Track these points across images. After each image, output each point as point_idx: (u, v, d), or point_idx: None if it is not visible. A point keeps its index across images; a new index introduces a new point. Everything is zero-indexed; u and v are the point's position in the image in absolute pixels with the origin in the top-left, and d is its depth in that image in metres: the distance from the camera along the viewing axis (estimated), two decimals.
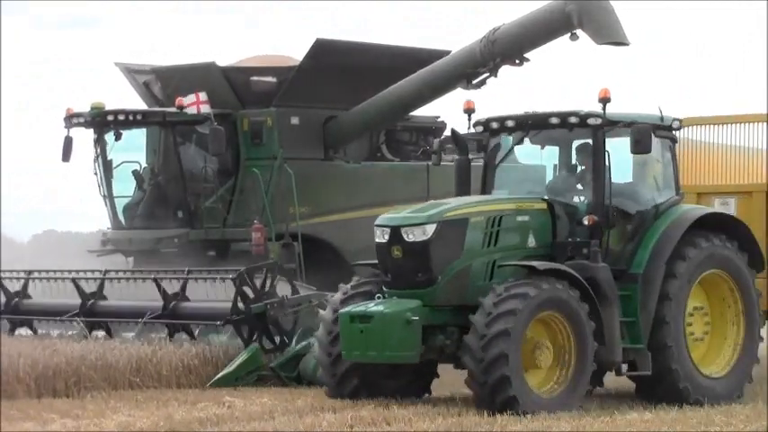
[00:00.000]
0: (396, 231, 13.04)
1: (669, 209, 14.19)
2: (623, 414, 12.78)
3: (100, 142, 19.08)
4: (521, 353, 12.53)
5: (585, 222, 13.59)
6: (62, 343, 15.26)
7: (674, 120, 14.43)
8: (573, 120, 13.74)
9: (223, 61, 19.89)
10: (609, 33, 17.01)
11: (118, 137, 19.04)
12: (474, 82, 18.23)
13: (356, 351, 12.90)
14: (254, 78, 19.25)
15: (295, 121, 19.13)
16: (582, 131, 13.83)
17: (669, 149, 14.48)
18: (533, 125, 14.08)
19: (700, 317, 14.42)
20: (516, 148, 14.31)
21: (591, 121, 13.67)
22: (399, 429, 11.56)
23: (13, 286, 17.79)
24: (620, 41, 16.99)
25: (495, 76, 18.06)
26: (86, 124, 19.03)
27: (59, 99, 44.89)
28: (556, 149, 14.44)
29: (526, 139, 14.17)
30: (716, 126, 17.01)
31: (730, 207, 16.60)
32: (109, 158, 19.17)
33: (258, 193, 18.71)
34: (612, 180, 13.88)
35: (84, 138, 19.33)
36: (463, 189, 14.46)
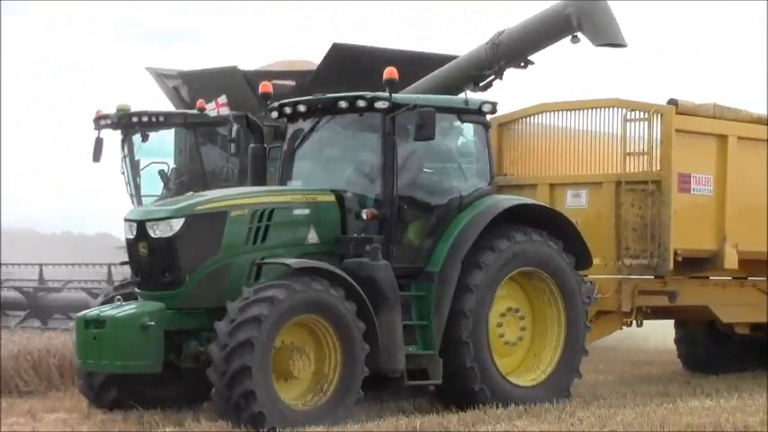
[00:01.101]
0: (141, 226, 11.62)
1: (476, 200, 12.76)
2: (685, 401, 12.61)
3: (127, 143, 19.22)
4: (270, 363, 11.05)
5: (364, 217, 12.18)
6: None
7: (484, 103, 13.05)
8: (361, 103, 12.40)
9: (247, 65, 20.46)
10: (607, 35, 16.66)
11: (145, 138, 19.18)
12: (480, 84, 17.99)
13: (90, 359, 11.55)
14: (274, 82, 18.74)
15: None
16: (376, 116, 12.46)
17: (480, 135, 13.10)
18: (324, 110, 12.78)
19: (514, 319, 13.02)
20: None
21: (378, 104, 12.31)
22: None
23: None
24: (618, 43, 16.66)
25: (501, 78, 17.70)
26: (113, 126, 19.06)
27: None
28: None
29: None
30: (571, 112, 15.62)
31: (582, 199, 15.28)
32: (136, 159, 19.27)
33: None
34: (413, 169, 12.60)
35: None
36: (258, 179, 13.23)
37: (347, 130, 12.92)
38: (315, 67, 19.52)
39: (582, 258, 13.42)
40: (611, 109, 15.02)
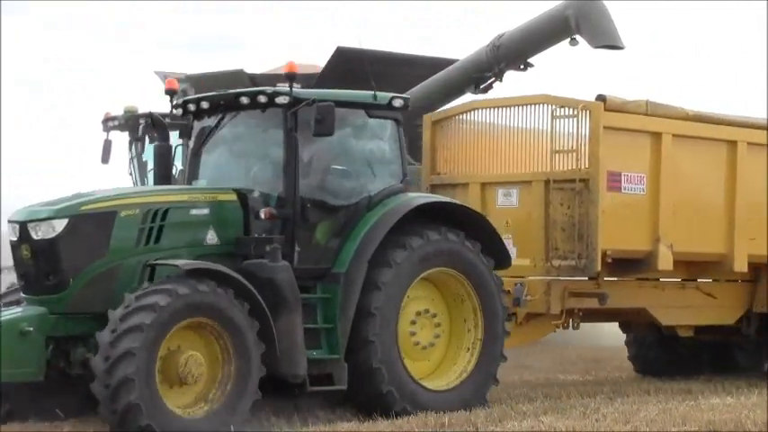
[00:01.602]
0: (24, 228, 11.16)
1: (386, 199, 12.36)
2: (707, 399, 12.93)
3: (135, 144, 19.30)
4: (155, 373, 10.60)
5: (262, 216, 11.77)
6: None
7: (395, 98, 12.63)
8: (262, 99, 12.03)
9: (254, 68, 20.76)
10: (605, 37, 16.80)
11: (152, 139, 18.91)
12: (481, 86, 18.22)
13: None
14: (280, 84, 18.74)
15: None
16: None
17: (392, 132, 12.70)
18: (227, 106, 12.41)
19: (429, 322, 12.61)
20: None
21: (279, 99, 11.94)
22: None
23: None
24: (616, 45, 16.77)
25: (501, 80, 17.91)
26: (121, 127, 19.10)
27: None
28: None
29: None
30: (502, 109, 15.23)
31: (512, 198, 14.91)
32: (144, 160, 19.19)
33: None
34: (319, 167, 12.28)
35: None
36: (163, 178, 12.84)
37: (253, 127, 12.51)
38: (318, 71, 19.69)
39: (501, 259, 13.04)
40: (540, 105, 14.60)
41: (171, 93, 12.91)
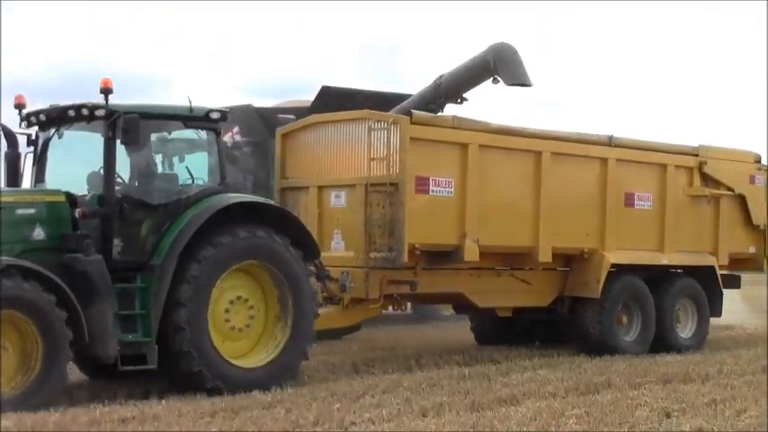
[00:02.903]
0: None
1: (204, 198, 14.28)
2: (662, 356, 18.43)
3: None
4: None
5: (77, 215, 13.44)
6: None
7: (211, 111, 14.54)
8: (84, 112, 13.72)
9: (259, 103, 25.08)
10: (517, 77, 21.59)
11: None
12: None
13: None
14: (280, 116, 23.17)
15: None
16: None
17: (210, 140, 14.67)
18: (59, 119, 14.10)
19: (243, 307, 14.58)
20: None
21: (98, 112, 13.58)
22: None
23: None
24: (525, 83, 21.56)
25: (442, 111, 21.65)
26: None
27: None
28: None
29: None
30: (336, 124, 17.68)
31: (342, 199, 17.43)
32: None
33: None
34: (141, 170, 14.20)
35: None
36: (12, 182, 14.55)
37: (87, 136, 14.28)
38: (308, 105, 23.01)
39: (309, 251, 15.23)
40: (362, 121, 17.17)
41: (19, 107, 14.62)
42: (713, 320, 20.96)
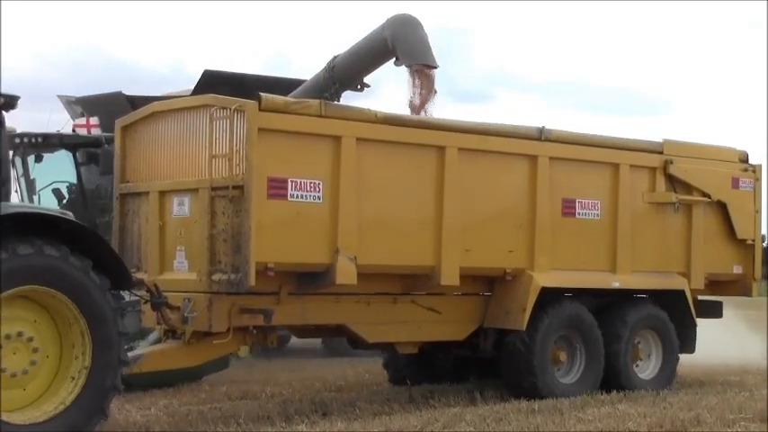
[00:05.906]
0: None
1: None
2: (759, 390, 16.00)
3: (20, 163, 19.72)
4: None
5: None
6: None
7: None
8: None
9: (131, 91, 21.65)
10: (418, 56, 16.17)
11: (38, 159, 19.53)
12: None
13: None
14: (156, 104, 19.48)
15: None
16: None
17: None
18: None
19: (23, 347, 11.24)
20: None
21: None
22: None
23: None
24: (429, 64, 16.25)
25: (338, 100, 17.19)
26: None
27: None
28: None
29: None
30: (176, 114, 14.13)
31: (185, 207, 13.88)
32: (32, 177, 19.69)
33: None
34: None
35: None
36: None
37: None
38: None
39: (119, 278, 11.80)
40: (204, 109, 13.57)
41: None
42: None
